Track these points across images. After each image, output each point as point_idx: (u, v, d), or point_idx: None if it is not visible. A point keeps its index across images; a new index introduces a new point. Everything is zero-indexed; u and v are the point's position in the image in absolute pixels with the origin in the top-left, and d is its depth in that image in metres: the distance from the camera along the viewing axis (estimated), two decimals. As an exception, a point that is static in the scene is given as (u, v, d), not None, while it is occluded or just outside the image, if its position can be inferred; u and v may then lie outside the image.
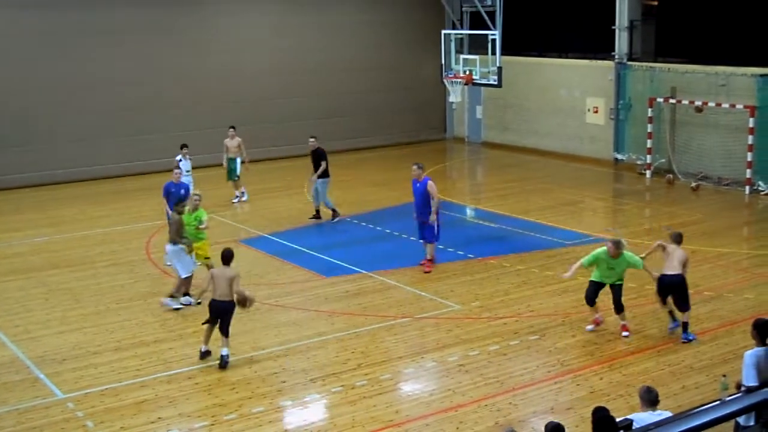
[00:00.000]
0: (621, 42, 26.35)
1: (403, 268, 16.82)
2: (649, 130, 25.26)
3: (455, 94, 23.49)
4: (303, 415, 11.05)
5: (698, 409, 7.53)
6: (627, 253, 13.06)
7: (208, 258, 15.13)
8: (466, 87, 24.22)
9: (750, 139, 22.77)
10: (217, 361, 12.38)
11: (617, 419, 7.38)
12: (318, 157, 20.22)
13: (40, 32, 25.15)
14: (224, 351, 12.35)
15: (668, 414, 8.04)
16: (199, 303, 14.43)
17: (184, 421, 10.88)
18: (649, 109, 25.13)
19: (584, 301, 13.57)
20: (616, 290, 13.10)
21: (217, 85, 27.97)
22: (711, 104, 23.50)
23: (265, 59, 28.83)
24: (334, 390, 11.63)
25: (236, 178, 22.50)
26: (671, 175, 24.53)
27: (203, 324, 12.63)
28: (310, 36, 29.40)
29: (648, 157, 25.36)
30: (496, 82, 22.37)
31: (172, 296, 14.73)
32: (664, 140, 25.12)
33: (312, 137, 20.59)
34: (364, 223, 20.45)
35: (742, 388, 8.60)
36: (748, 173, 22.88)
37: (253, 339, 13.39)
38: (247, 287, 13.18)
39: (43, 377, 12.19)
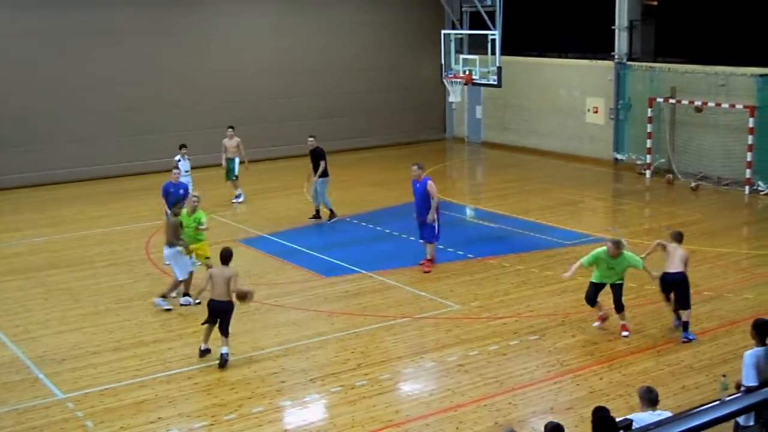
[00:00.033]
0: (621, 42, 26.35)
1: (402, 268, 16.82)
2: (648, 130, 25.27)
3: (455, 94, 23.49)
4: (302, 415, 11.05)
5: (698, 409, 7.54)
6: (627, 252, 13.07)
7: (208, 258, 15.13)
8: (465, 87, 24.22)
9: (750, 139, 22.77)
10: (217, 361, 12.38)
11: (617, 419, 7.38)
12: (317, 156, 20.23)
13: (40, 32, 25.15)
14: (224, 350, 12.36)
15: (668, 414, 8.04)
16: (198, 303, 14.42)
17: (183, 421, 10.88)
18: (649, 109, 25.13)
19: (584, 302, 13.60)
20: (617, 290, 13.11)
21: (217, 85, 27.97)
22: (711, 104, 23.51)
23: (265, 59, 28.83)
24: (333, 390, 11.63)
25: (234, 178, 22.47)
26: (671, 175, 24.53)
27: (203, 324, 12.64)
28: (310, 36, 29.40)
29: (648, 157, 25.37)
30: (495, 82, 22.37)
31: (164, 296, 14.71)
32: (664, 140, 25.12)
33: (311, 137, 20.59)
34: (363, 223, 20.45)
35: (742, 388, 8.60)
36: (748, 173, 22.88)
37: (253, 339, 13.39)
38: (246, 285, 13.15)
39: (43, 377, 12.19)
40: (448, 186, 24.52)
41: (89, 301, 15.39)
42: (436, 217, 16.49)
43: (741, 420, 8.25)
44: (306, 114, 29.14)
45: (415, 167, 16.71)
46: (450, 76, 23.24)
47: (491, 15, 22.41)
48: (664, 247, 13.32)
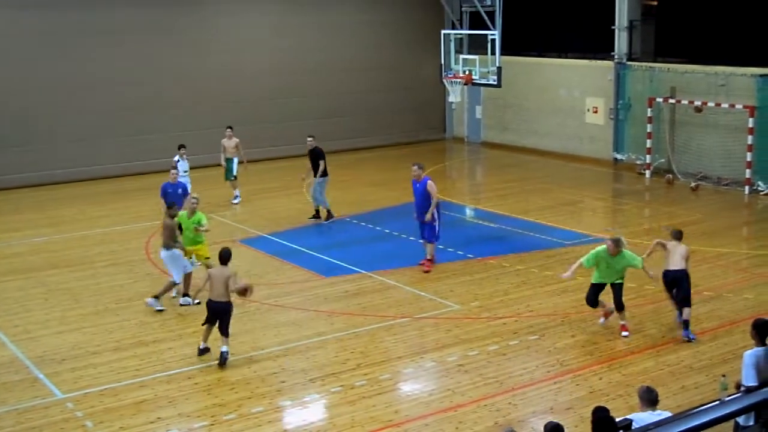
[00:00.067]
0: (620, 42, 26.36)
1: (402, 268, 16.82)
2: (648, 130, 25.27)
3: (455, 94, 23.48)
4: (302, 415, 11.05)
5: (698, 409, 7.55)
6: (626, 251, 13.09)
7: (208, 258, 15.12)
8: (465, 87, 24.20)
9: (749, 139, 22.77)
10: (216, 361, 12.39)
11: (617, 419, 7.38)
12: (316, 156, 20.24)
13: (40, 32, 25.15)
14: (223, 348, 12.39)
15: (668, 414, 8.04)
16: (198, 303, 14.42)
17: (183, 421, 10.88)
18: (649, 109, 25.14)
19: (584, 302, 13.63)
20: (617, 289, 13.13)
21: (217, 85, 27.97)
22: (710, 104, 23.51)
23: (265, 59, 28.83)
24: (333, 390, 11.63)
25: (233, 179, 22.45)
26: (671, 175, 24.54)
27: (203, 325, 12.66)
28: (310, 36, 29.40)
29: (647, 157, 25.37)
30: (495, 82, 22.36)
31: (156, 297, 14.69)
32: (664, 140, 25.12)
33: (310, 136, 20.59)
34: (363, 223, 20.45)
35: (742, 388, 8.60)
36: (748, 173, 22.88)
37: (253, 339, 13.40)
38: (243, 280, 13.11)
39: (43, 377, 12.19)
40: (447, 186, 24.53)
41: (89, 301, 15.39)
42: (436, 216, 16.50)
43: (741, 420, 8.26)
44: (306, 114, 29.14)
45: (415, 167, 16.72)
46: (450, 76, 23.24)
47: (491, 15, 22.40)
48: (663, 246, 13.38)
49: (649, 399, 8.26)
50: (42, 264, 17.75)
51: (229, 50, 28.07)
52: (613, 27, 26.38)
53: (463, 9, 29.11)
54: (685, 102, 24.18)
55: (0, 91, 24.87)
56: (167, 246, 14.65)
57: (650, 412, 8.13)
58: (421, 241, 17.13)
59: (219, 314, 12.43)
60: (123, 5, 26.23)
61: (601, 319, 13.66)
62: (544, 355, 12.59)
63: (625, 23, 26.19)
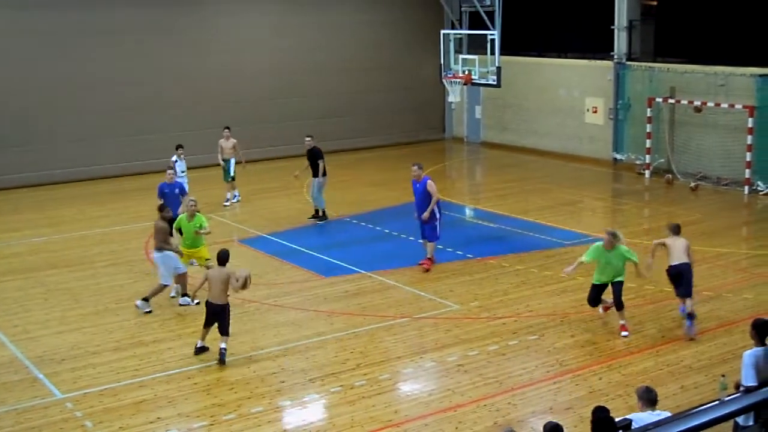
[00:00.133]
0: (620, 42, 26.36)
1: (402, 268, 16.82)
2: (648, 130, 25.27)
3: (454, 94, 23.48)
4: (302, 415, 11.05)
5: (697, 409, 7.54)
6: (623, 246, 13.14)
7: (208, 259, 15.10)
8: (465, 87, 24.19)
9: (749, 139, 22.77)
10: (215, 361, 12.40)
11: (616, 419, 7.38)
12: (314, 156, 20.25)
13: (40, 32, 25.14)
14: (222, 345, 12.42)
15: (667, 414, 8.04)
16: (197, 303, 14.44)
17: (183, 421, 10.88)
18: (648, 109, 25.14)
19: (583, 301, 13.74)
20: (617, 287, 13.18)
21: (216, 85, 27.97)
22: (710, 104, 23.51)
23: (265, 59, 28.83)
24: (333, 390, 11.63)
25: (231, 179, 22.41)
26: (670, 175, 24.54)
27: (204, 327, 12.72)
28: (310, 36, 29.41)
29: (647, 157, 25.37)
30: (495, 82, 22.36)
31: (146, 299, 14.68)
32: (663, 140, 25.13)
33: (308, 136, 20.59)
34: (363, 223, 20.46)
35: (741, 388, 8.60)
36: (747, 173, 22.88)
37: (252, 339, 13.40)
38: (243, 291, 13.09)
39: (42, 377, 12.19)
40: (447, 186, 24.53)
41: (89, 301, 15.39)
42: (437, 216, 16.52)
43: (740, 420, 8.26)
44: (306, 114, 29.14)
45: (415, 167, 16.73)
46: (449, 76, 23.24)
47: (490, 15, 22.40)
48: (663, 244, 13.45)
49: (649, 399, 8.26)
50: (41, 264, 17.75)
51: (229, 50, 28.07)
52: (612, 27, 26.39)
53: (462, 9, 29.04)
54: (684, 102, 24.18)
55: (0, 91, 24.87)
56: (159, 248, 14.63)
57: (650, 412, 8.13)
58: (421, 241, 17.13)
59: (216, 315, 12.46)
60: (123, 5, 26.23)
61: (600, 309, 13.82)
62: (544, 355, 12.60)
63: (625, 23, 26.20)
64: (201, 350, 12.72)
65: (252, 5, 28.40)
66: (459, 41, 26.05)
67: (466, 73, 22.81)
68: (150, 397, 11.52)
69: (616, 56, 26.42)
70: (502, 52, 22.19)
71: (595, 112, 27.40)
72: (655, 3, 26.47)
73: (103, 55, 26.08)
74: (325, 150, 20.87)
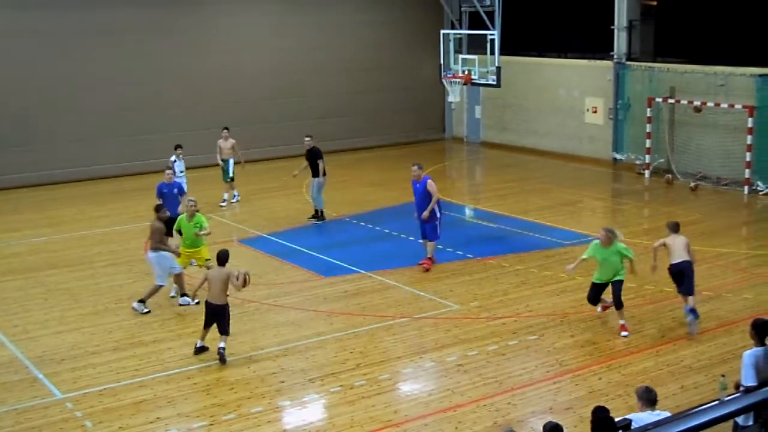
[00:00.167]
0: (620, 42, 26.36)
1: (401, 268, 16.82)
2: (647, 130, 25.27)
3: (454, 94, 23.48)
4: (302, 415, 11.05)
5: (697, 409, 7.55)
6: (620, 243, 13.20)
7: (208, 260, 15.09)
8: (464, 87, 24.20)
9: (749, 139, 22.76)
10: (216, 361, 12.41)
11: (616, 419, 7.38)
12: (314, 156, 20.25)
13: (40, 32, 25.14)
14: (221, 344, 12.44)
15: (667, 414, 8.04)
16: (197, 302, 14.44)
17: (182, 421, 10.88)
18: (648, 109, 25.14)
19: (583, 301, 13.79)
20: (616, 286, 13.21)
21: (216, 85, 27.97)
22: (710, 104, 23.51)
23: (265, 59, 28.83)
24: (332, 390, 11.63)
25: (230, 180, 22.39)
26: (670, 175, 24.54)
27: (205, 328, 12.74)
28: (310, 36, 29.41)
29: (647, 157, 25.37)
30: (494, 82, 22.36)
31: (142, 301, 14.67)
32: (663, 140, 25.13)
33: (307, 136, 20.59)
34: (362, 223, 20.46)
35: (741, 388, 8.60)
36: (747, 173, 22.88)
37: (252, 339, 13.40)
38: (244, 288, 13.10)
39: (42, 377, 12.19)
40: (447, 186, 24.52)
41: (88, 301, 15.40)
42: (438, 215, 16.53)
43: (740, 420, 8.26)
44: (305, 114, 29.14)
45: (415, 167, 16.73)
46: (449, 76, 23.25)
47: (490, 15, 22.41)
48: (663, 244, 13.47)
49: (648, 399, 8.26)
50: (41, 264, 17.75)
51: (229, 50, 28.07)
52: (612, 27, 26.39)
53: (462, 9, 29.04)
54: (684, 102, 24.18)
55: (0, 91, 24.87)
56: (155, 248, 14.61)
57: (649, 412, 8.13)
58: (421, 241, 17.13)
59: (216, 315, 12.47)
60: (123, 5, 26.23)
61: (599, 308, 13.85)
62: (544, 355, 12.60)
63: (625, 23, 26.20)
64: (201, 350, 12.74)
65: (252, 5, 28.40)
66: (459, 41, 26.06)
67: (466, 73, 22.82)
68: (150, 397, 11.52)
69: (615, 56, 26.43)
70: (502, 52, 22.20)
71: (595, 112, 27.40)
72: (654, 3, 26.47)
73: (103, 55, 26.08)
74: (324, 150, 20.87)
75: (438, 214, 16.60)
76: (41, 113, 25.47)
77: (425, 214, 16.39)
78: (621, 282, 13.22)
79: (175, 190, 17.19)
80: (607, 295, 13.47)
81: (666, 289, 14.68)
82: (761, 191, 22.70)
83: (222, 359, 12.36)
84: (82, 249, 18.80)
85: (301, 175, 21.38)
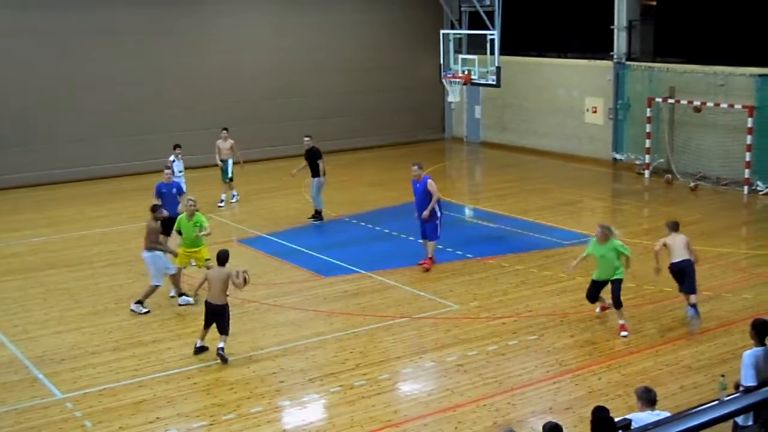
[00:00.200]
0: (620, 42, 26.36)
1: (401, 267, 16.82)
2: (647, 130, 25.27)
3: (454, 94, 23.48)
4: (301, 415, 11.05)
5: (697, 409, 7.55)
6: (616, 240, 13.26)
7: (208, 259, 15.09)
8: (464, 87, 24.20)
9: (748, 139, 22.76)
10: (216, 361, 12.42)
11: (616, 419, 7.38)
12: (313, 156, 20.24)
13: (40, 32, 25.14)
14: (220, 344, 12.46)
15: (666, 414, 8.04)
16: (197, 299, 14.44)
17: (182, 421, 10.88)
18: (648, 109, 25.14)
19: (583, 301, 13.82)
20: (615, 285, 13.23)
21: (217, 85, 27.97)
22: (710, 104, 23.51)
23: (265, 59, 28.83)
24: (332, 390, 11.63)
25: (229, 180, 22.37)
26: (670, 175, 24.54)
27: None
28: (310, 36, 29.41)
29: (647, 156, 25.37)
30: (494, 82, 22.36)
31: (140, 302, 14.67)
32: (663, 140, 25.13)
33: (307, 136, 20.59)
34: (362, 223, 20.46)
35: (741, 388, 8.61)
36: (747, 173, 22.88)
37: (252, 339, 13.40)
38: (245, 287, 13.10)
39: (42, 377, 12.19)
40: (447, 186, 24.51)
41: (88, 301, 15.40)
42: (438, 215, 16.53)
43: (740, 420, 8.26)
44: (305, 114, 29.14)
45: (415, 167, 16.73)
46: (449, 76, 23.25)
47: (490, 15, 22.41)
48: (664, 245, 13.50)
49: (648, 399, 8.26)
50: (41, 264, 17.75)
51: (229, 50, 28.07)
52: (612, 27, 26.39)
53: (462, 9, 29.06)
54: (684, 102, 24.18)
55: (0, 91, 24.87)
56: (150, 248, 14.60)
57: (649, 412, 8.13)
58: (421, 240, 17.13)
59: (216, 315, 12.47)
60: (123, 5, 26.23)
61: (597, 309, 13.88)
62: (543, 355, 12.60)
63: (624, 23, 26.20)
64: (200, 350, 12.74)
65: (252, 5, 28.40)
66: (459, 41, 26.07)
67: (466, 73, 22.82)
68: (149, 397, 11.52)
69: (615, 56, 26.43)
70: (502, 52, 22.19)
71: (595, 112, 27.40)
72: (654, 3, 26.47)
73: (103, 55, 26.08)
74: (324, 150, 20.87)
75: (438, 214, 16.60)
76: (41, 113, 25.47)
77: (425, 213, 16.39)
78: (620, 281, 13.24)
79: (174, 190, 17.18)
80: (607, 295, 13.48)
81: (666, 289, 14.69)
82: (761, 191, 22.70)
83: (223, 359, 12.37)
84: (81, 249, 18.80)
85: (301, 175, 21.37)
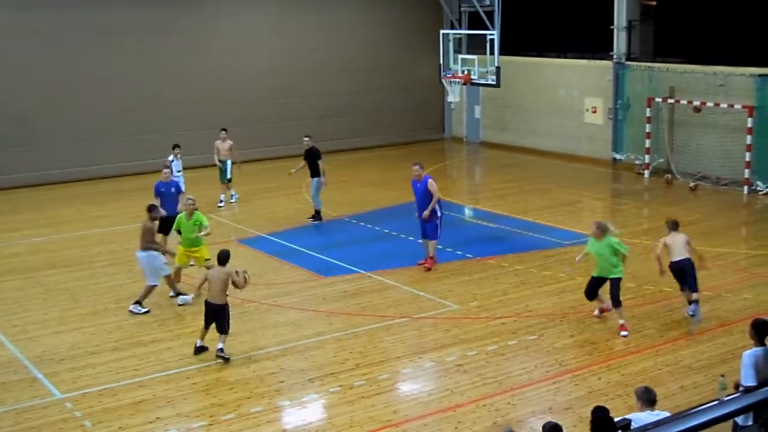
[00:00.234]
0: (619, 42, 26.36)
1: (401, 267, 16.82)
2: (647, 130, 25.27)
3: (453, 94, 23.48)
4: (301, 415, 11.05)
5: (696, 409, 7.54)
6: (612, 238, 13.29)
7: (208, 259, 15.09)
8: (464, 87, 24.19)
9: (748, 139, 22.76)
10: (215, 361, 12.42)
11: (615, 419, 7.38)
12: (313, 156, 20.24)
13: (40, 32, 25.15)
14: (219, 345, 12.46)
15: (666, 414, 8.04)
16: (195, 296, 14.45)
17: (182, 421, 10.88)
18: (648, 109, 25.14)
19: (582, 301, 13.85)
20: (614, 284, 13.25)
21: (217, 85, 27.97)
22: (709, 104, 23.51)
23: (265, 59, 28.84)
24: (332, 390, 11.63)
25: (227, 181, 22.36)
26: (669, 175, 24.54)
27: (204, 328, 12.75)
28: (310, 36, 29.41)
29: (646, 156, 25.37)
30: (494, 82, 22.36)
31: (138, 303, 14.64)
32: (663, 140, 25.13)
33: (306, 136, 20.59)
34: (362, 223, 20.46)
35: (741, 388, 8.60)
36: (747, 173, 22.88)
37: (252, 339, 13.40)
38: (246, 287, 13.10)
39: (42, 377, 12.19)
40: (447, 186, 24.49)
41: (88, 301, 15.40)
42: (438, 214, 16.53)
43: (740, 420, 8.25)
44: (305, 114, 29.15)
45: (416, 167, 16.73)
46: (449, 76, 23.25)
47: (490, 15, 22.41)
48: (664, 244, 13.51)
49: (648, 399, 8.26)
50: (41, 264, 17.75)
51: (229, 50, 28.07)
52: (612, 27, 26.39)
53: (462, 9, 29.12)
54: (684, 102, 24.18)
55: (0, 91, 24.87)
56: (145, 248, 14.58)
57: (649, 412, 8.13)
58: (421, 240, 17.12)
59: (216, 315, 12.48)
60: (123, 5, 26.23)
61: (596, 311, 13.88)
62: (543, 355, 12.60)
63: (624, 23, 26.20)
64: (200, 350, 12.74)
65: (252, 5, 28.40)
66: (458, 41, 26.08)
67: (466, 73, 22.82)
68: (149, 397, 11.52)
69: (615, 56, 26.43)
70: (502, 52, 22.19)
71: (595, 112, 27.40)
72: (654, 3, 26.48)
73: (103, 55, 26.09)
74: (324, 150, 20.87)
75: (439, 213, 16.60)
76: (41, 113, 25.47)
77: (426, 213, 16.39)
78: (618, 280, 13.24)
79: (173, 189, 17.18)
80: (607, 295, 13.47)
81: (666, 289, 14.69)
82: (761, 191, 22.70)
83: (224, 359, 12.36)
84: (81, 249, 18.80)
85: (301, 175, 21.37)
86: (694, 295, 13.33)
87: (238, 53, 28.30)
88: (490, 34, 22.03)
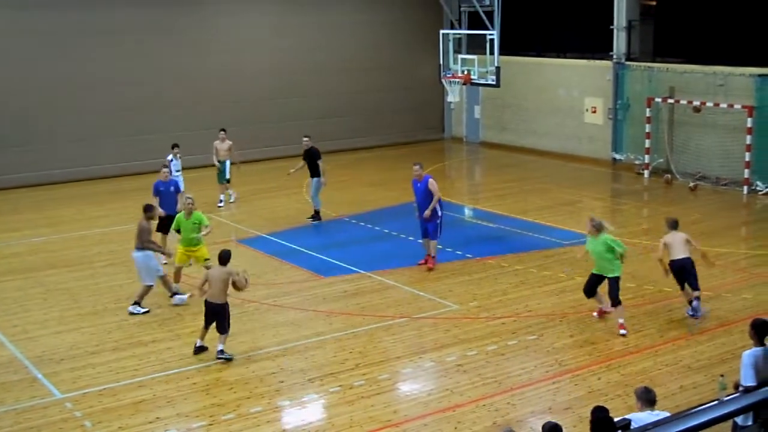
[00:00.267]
0: (619, 42, 26.37)
1: (401, 267, 16.82)
2: (647, 130, 25.28)
3: (453, 94, 23.47)
4: (301, 415, 11.06)
5: (696, 409, 7.54)
6: (607, 235, 13.31)
7: (208, 259, 15.09)
8: (464, 87, 24.19)
9: (748, 139, 22.77)
10: (214, 361, 12.43)
11: (615, 419, 7.38)
12: (313, 156, 20.24)
13: (40, 32, 25.15)
14: (219, 346, 12.46)
15: (666, 414, 8.04)
16: (191, 296, 14.46)
17: (182, 421, 10.89)
18: (648, 109, 25.14)
19: (582, 301, 13.85)
20: (612, 283, 13.27)
21: (217, 85, 27.97)
22: (709, 104, 23.52)
23: (265, 59, 28.84)
24: (332, 390, 11.63)
25: (226, 181, 22.35)
26: (669, 175, 24.54)
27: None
28: (310, 36, 29.42)
29: (646, 157, 25.37)
30: (494, 82, 22.36)
31: (136, 303, 14.66)
32: (663, 140, 25.13)
33: (306, 137, 20.59)
34: (362, 223, 20.46)
35: (740, 388, 8.61)
36: (746, 173, 22.89)
37: (251, 339, 13.40)
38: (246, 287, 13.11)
39: (41, 377, 12.19)
40: (447, 186, 24.47)
41: (88, 301, 15.40)
42: (439, 214, 16.53)
43: (739, 420, 8.26)
44: (305, 114, 29.15)
45: (416, 167, 16.73)
46: (448, 76, 23.25)
47: (489, 15, 22.41)
48: (665, 244, 13.52)
49: (647, 399, 8.26)
50: (40, 264, 17.75)
51: (229, 50, 28.08)
52: (611, 27, 26.40)
53: (461, 9, 29.10)
54: (683, 102, 24.19)
55: (0, 91, 24.87)
56: (141, 247, 14.57)
57: (648, 412, 8.14)
58: (421, 240, 17.12)
59: (216, 315, 12.48)
60: (123, 5, 26.24)
61: (595, 313, 13.90)
62: (543, 355, 12.60)
63: (624, 23, 26.20)
64: (200, 350, 12.74)
65: (252, 5, 28.40)
66: (458, 41, 26.08)
67: (466, 73, 22.82)
68: (149, 397, 11.52)
69: (615, 56, 26.43)
70: (502, 52, 22.21)
71: (594, 112, 27.41)
72: (654, 3, 26.48)
73: (103, 55, 26.09)
74: (324, 150, 20.87)
75: (439, 213, 16.60)
76: (41, 113, 25.48)
77: (427, 213, 16.39)
78: (617, 279, 13.25)
79: (172, 188, 17.19)
80: (606, 296, 13.48)
81: (665, 289, 14.70)
82: (760, 191, 22.71)
83: (226, 358, 12.35)
84: (81, 249, 18.80)
85: (300, 175, 21.37)
86: (695, 293, 13.34)
87: (238, 53, 28.30)
88: (490, 34, 22.03)
